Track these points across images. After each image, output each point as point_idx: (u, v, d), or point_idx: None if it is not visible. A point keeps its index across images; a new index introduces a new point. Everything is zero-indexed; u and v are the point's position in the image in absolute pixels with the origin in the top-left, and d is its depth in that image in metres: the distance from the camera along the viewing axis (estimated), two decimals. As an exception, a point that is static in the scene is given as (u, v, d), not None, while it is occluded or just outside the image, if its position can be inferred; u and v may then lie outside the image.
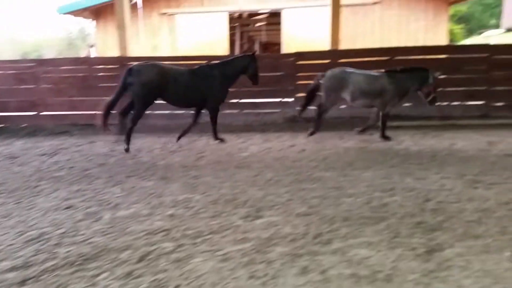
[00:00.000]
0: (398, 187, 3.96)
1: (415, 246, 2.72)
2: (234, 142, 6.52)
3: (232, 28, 16.14)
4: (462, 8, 28.24)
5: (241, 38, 18.25)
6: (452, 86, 7.30)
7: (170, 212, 3.44)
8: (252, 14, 15.13)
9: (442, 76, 6.21)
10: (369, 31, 12.39)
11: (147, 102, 5.85)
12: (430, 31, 12.07)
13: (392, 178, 4.23)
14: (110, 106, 5.76)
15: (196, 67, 6.27)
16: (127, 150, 5.90)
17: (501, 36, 22.18)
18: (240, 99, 8.18)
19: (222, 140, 6.40)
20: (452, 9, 25.06)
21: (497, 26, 26.72)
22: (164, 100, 6.08)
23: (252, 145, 6.32)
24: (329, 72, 6.38)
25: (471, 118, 7.02)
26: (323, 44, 8.78)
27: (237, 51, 17.16)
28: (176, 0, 13.29)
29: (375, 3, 12.58)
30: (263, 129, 7.52)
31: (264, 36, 18.34)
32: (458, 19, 28.67)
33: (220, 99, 6.26)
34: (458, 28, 27.28)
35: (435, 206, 3.43)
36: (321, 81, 6.42)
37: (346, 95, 6.26)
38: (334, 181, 4.22)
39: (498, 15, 28.28)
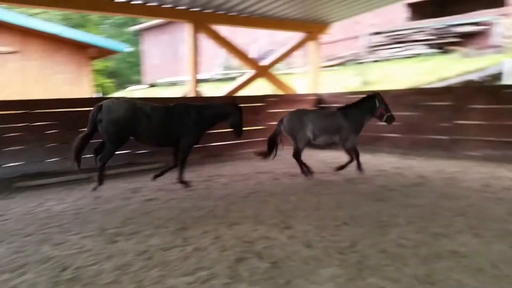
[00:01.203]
0: (32, 260, 3.40)
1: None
2: None
3: None
4: (109, 64, 30.25)
5: None
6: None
7: None
8: None
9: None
10: (9, 81, 11.13)
11: (119, 140, 5.50)
12: (75, 84, 12.02)
13: (26, 251, 3.62)
14: (83, 143, 5.44)
15: (172, 104, 5.90)
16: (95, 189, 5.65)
17: (145, 90, 25.30)
18: None
19: (186, 185, 5.97)
20: (100, 65, 26.53)
21: (141, 82, 30.39)
22: (135, 138, 5.70)
23: None
24: (286, 116, 6.40)
25: (118, 167, 7.18)
26: None
27: None
28: None
29: (13, 52, 11.44)
30: None
31: None
32: (108, 74, 30.47)
33: (193, 140, 5.95)
34: (109, 82, 28.93)
35: (72, 274, 3.10)
36: (281, 127, 6.43)
37: (309, 134, 6.26)
38: None
39: (141, 73, 32.23)
